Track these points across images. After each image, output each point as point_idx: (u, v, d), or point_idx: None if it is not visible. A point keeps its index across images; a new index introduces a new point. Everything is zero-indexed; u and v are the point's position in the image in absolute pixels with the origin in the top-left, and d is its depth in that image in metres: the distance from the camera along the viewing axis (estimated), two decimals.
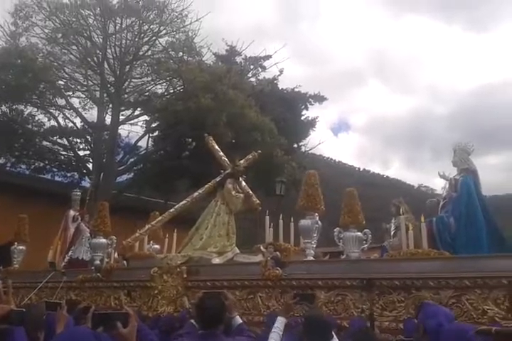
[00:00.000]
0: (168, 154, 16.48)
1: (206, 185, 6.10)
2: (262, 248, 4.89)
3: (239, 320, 3.20)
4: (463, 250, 4.41)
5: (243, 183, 5.96)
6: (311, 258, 4.83)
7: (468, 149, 5.29)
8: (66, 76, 15.60)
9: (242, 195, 5.82)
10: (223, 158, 6.27)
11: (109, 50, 15.62)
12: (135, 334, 2.04)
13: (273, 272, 4.50)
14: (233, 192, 5.73)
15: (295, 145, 19.27)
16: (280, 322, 3.16)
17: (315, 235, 4.84)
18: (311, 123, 19.65)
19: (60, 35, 15.19)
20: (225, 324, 2.98)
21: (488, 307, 3.62)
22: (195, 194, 6.12)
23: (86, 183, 15.52)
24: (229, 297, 3.28)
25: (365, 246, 5.09)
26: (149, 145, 16.81)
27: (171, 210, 6.07)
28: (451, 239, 4.76)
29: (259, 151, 6.87)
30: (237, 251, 5.53)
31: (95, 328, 2.04)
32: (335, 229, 5.10)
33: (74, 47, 15.44)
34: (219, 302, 2.94)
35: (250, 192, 6.03)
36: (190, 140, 16.94)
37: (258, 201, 6.07)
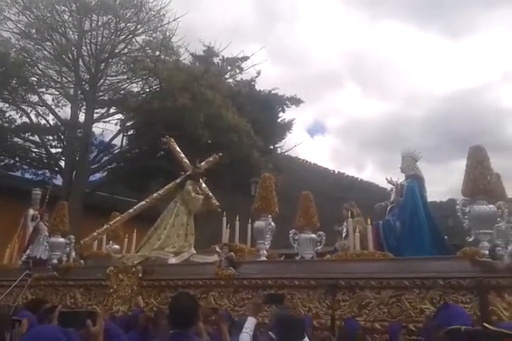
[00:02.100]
0: (143, 153, 16.39)
1: (166, 186, 6.15)
2: (217, 248, 4.96)
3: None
4: (407, 252, 4.58)
5: (203, 185, 6.03)
6: (264, 258, 4.93)
7: (416, 156, 5.49)
8: (39, 72, 15.33)
9: (201, 197, 5.88)
10: (184, 159, 6.32)
11: (84, 47, 15.44)
12: (102, 333, 2.07)
13: (226, 272, 4.58)
14: (193, 194, 5.79)
15: (271, 147, 19.39)
16: (250, 322, 3.16)
17: (268, 236, 4.95)
18: (288, 126, 19.79)
19: (33, 30, 14.95)
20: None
21: (426, 306, 3.78)
22: (155, 195, 6.15)
23: (59, 181, 15.33)
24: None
25: (319, 247, 5.23)
26: (124, 144, 16.69)
27: (130, 210, 6.09)
28: (397, 242, 4.94)
29: (220, 154, 6.87)
30: (194, 251, 5.59)
31: (64, 327, 2.03)
32: (290, 231, 5.23)
33: (48, 43, 15.19)
34: (192, 302, 2.95)
35: (210, 193, 6.10)
36: (164, 138, 16.86)
37: (217, 202, 6.15)
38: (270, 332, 3.24)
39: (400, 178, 5.46)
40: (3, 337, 2.43)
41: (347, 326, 3.84)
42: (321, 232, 5.23)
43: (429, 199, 6.19)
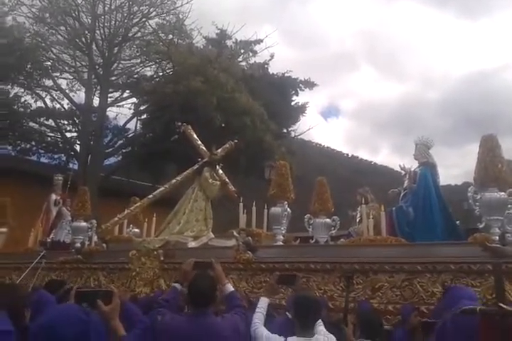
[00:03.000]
0: (157, 137, 16.52)
1: (184, 172, 6.32)
2: (234, 233, 5.14)
3: (230, 287, 3.25)
4: (419, 237, 4.71)
5: (220, 171, 6.18)
6: (280, 243, 5.11)
7: (429, 143, 5.57)
8: (53, 56, 15.46)
9: (218, 183, 6.05)
10: (201, 146, 6.47)
11: (97, 31, 15.47)
12: (117, 312, 2.12)
13: (244, 256, 4.76)
14: (210, 180, 5.96)
15: (285, 131, 19.37)
16: (263, 302, 3.29)
17: (284, 222, 5.11)
18: (301, 109, 19.69)
19: (47, 14, 14.98)
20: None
21: (437, 289, 3.93)
22: (173, 181, 6.34)
23: (74, 166, 15.64)
24: (216, 267, 3.33)
25: (333, 231, 5.39)
26: (138, 127, 16.87)
27: (150, 196, 6.29)
28: (409, 227, 5.07)
29: (236, 141, 6.99)
30: (212, 235, 5.79)
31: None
32: (305, 216, 5.39)
33: (62, 27, 15.26)
34: (211, 282, 3.10)
35: (227, 179, 6.26)
36: (179, 123, 16.94)
37: (234, 188, 6.31)
38: (287, 313, 3.40)
39: (413, 165, 5.56)
40: (23, 316, 2.59)
41: (361, 308, 4.02)
42: (335, 217, 5.39)
43: (444, 183, 6.29)
